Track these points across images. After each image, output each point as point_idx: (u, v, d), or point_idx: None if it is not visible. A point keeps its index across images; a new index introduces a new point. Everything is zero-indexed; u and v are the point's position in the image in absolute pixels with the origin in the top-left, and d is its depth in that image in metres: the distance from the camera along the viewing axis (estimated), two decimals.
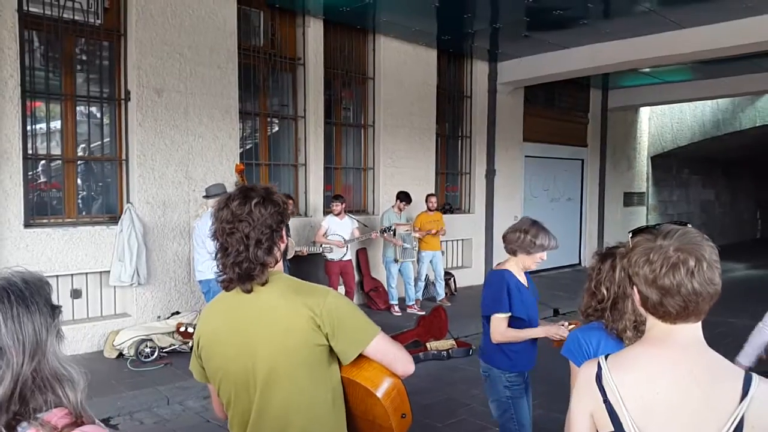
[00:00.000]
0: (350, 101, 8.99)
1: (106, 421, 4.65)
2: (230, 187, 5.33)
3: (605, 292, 2.15)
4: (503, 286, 3.05)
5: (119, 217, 6.25)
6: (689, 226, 1.38)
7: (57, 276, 5.90)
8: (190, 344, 5.79)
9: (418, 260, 8.56)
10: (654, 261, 1.30)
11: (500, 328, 3.06)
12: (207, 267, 5.47)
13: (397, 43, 8.90)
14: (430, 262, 8.58)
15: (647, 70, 10.89)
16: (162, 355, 5.86)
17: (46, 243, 5.84)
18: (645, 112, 14.84)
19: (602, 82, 12.59)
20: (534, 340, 3.13)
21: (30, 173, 5.96)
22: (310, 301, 1.69)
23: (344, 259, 7.49)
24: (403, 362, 1.75)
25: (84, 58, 6.43)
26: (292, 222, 7.20)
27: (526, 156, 11.57)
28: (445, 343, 6.47)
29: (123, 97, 6.37)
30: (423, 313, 7.63)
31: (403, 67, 9.02)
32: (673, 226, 1.36)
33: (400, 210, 8.27)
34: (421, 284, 8.66)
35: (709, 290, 1.28)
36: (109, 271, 6.18)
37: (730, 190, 20.16)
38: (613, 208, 13.97)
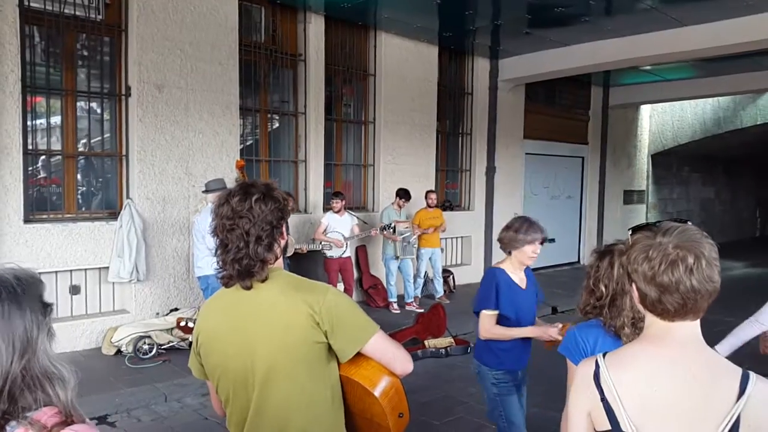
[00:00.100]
0: (351, 98, 8.98)
1: (103, 419, 4.65)
2: (231, 183, 5.32)
3: (604, 289, 2.15)
4: (492, 284, 3.08)
5: (119, 213, 6.25)
6: (689, 223, 1.38)
7: (56, 272, 5.90)
8: (189, 340, 5.79)
9: (418, 257, 8.55)
10: (653, 258, 1.30)
11: (487, 325, 3.07)
12: (206, 263, 5.46)
13: (399, 39, 8.88)
14: (429, 259, 8.57)
15: (648, 67, 10.87)
16: (160, 351, 5.86)
17: (46, 238, 5.84)
18: (646, 110, 14.82)
19: (603, 80, 12.56)
20: (526, 340, 3.13)
21: (30, 168, 5.96)
22: (310, 298, 1.68)
23: (343, 256, 7.48)
24: (401, 361, 1.74)
25: (85, 53, 6.42)
26: (292, 219, 7.19)
27: (526, 153, 11.54)
28: (444, 341, 6.47)
29: (123, 92, 6.36)
30: (422, 310, 7.64)
31: (404, 63, 9.00)
32: (673, 223, 1.36)
33: (400, 207, 8.27)
34: (420, 281, 8.65)
35: (708, 288, 1.28)
36: (108, 267, 6.17)
37: (731, 188, 20.14)
38: (612, 205, 13.95)
